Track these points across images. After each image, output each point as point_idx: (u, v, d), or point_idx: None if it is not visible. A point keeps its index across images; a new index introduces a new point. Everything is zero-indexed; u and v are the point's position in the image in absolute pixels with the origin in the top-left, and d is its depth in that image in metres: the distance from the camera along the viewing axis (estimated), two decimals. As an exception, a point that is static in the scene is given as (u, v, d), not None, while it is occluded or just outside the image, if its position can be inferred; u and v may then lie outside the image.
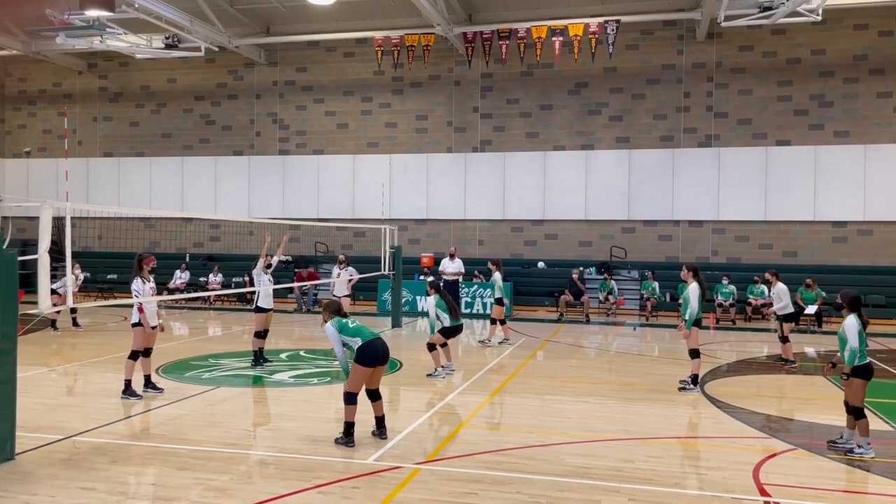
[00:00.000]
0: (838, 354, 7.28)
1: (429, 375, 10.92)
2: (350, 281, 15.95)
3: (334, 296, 15.42)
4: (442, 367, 11.03)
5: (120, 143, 26.83)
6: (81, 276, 16.30)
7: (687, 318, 9.95)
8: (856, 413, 7.01)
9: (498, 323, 14.85)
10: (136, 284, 9.10)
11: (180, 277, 22.45)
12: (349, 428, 7.11)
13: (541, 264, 22.97)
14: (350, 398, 7.11)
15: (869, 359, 7.09)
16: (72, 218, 7.69)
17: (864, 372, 7.01)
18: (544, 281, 22.41)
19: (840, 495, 5.90)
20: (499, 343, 14.57)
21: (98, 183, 26.48)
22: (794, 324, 12.92)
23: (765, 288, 18.92)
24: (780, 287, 12.63)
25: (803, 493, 5.97)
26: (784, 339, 12.51)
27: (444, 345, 11.13)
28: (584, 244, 23.07)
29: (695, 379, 10.07)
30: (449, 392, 9.94)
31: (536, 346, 14.72)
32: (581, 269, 20.98)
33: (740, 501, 5.73)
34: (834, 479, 6.36)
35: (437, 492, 5.84)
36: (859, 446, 6.99)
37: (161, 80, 26.44)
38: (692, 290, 9.92)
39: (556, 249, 23.23)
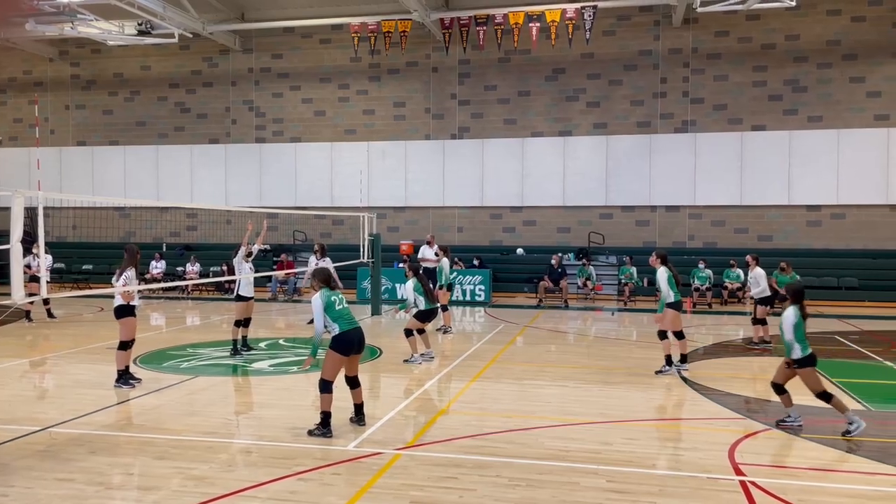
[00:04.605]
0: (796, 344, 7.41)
1: (406, 361, 10.96)
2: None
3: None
4: (420, 354, 11.07)
5: (93, 132, 26.41)
6: (50, 259, 15.99)
7: (660, 301, 10.25)
8: (824, 397, 7.16)
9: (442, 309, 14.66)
10: (129, 274, 9.02)
11: (156, 267, 22.23)
12: (325, 417, 6.98)
13: (520, 251, 23.06)
14: (325, 386, 7.00)
15: (810, 350, 7.17)
16: (45, 208, 7.57)
17: (810, 360, 7.17)
18: (523, 267, 22.50)
19: (813, 473, 6.03)
20: (437, 329, 14.28)
21: (71, 172, 26.07)
22: (769, 307, 13.09)
23: (740, 272, 19.20)
24: (759, 271, 12.84)
25: (777, 471, 6.08)
26: (757, 321, 12.73)
27: (421, 331, 11.17)
28: (563, 230, 23.18)
29: (668, 360, 10.22)
30: (428, 378, 9.97)
31: (516, 331, 14.80)
32: (560, 254, 21.09)
33: (716, 481, 5.83)
34: (806, 457, 6.49)
35: (417, 477, 5.87)
36: (788, 416, 7.40)
37: (134, 68, 26.04)
38: (660, 274, 10.15)
39: (535, 236, 23.33)
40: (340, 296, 7.31)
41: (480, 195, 23.62)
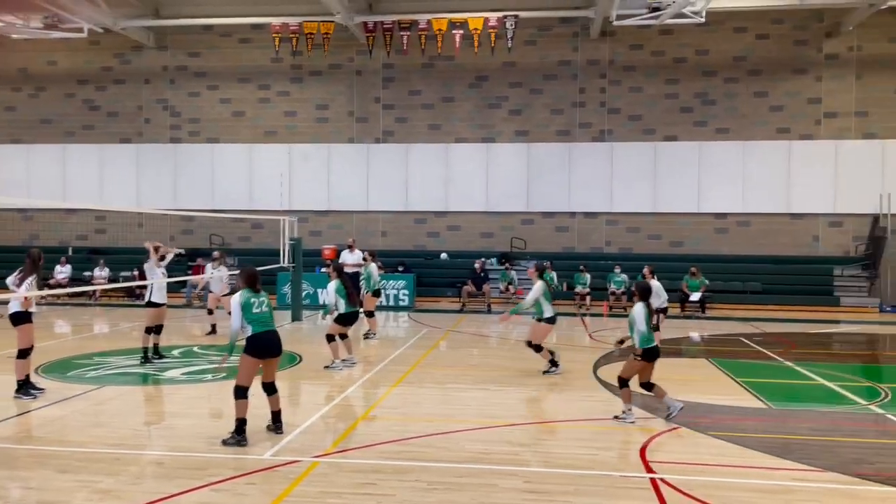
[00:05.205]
0: (627, 334, 8.05)
1: (326, 367, 10.78)
2: (224, 279, 14.52)
3: (210, 291, 14.74)
4: (342, 360, 10.91)
5: (-7, 129, 24.93)
6: None
7: (517, 310, 10.73)
8: (621, 382, 7.89)
9: (367, 315, 14.53)
10: (31, 281, 8.53)
11: (61, 272, 21.16)
12: (240, 424, 6.78)
13: (443, 255, 23.17)
14: (239, 392, 6.83)
15: (656, 343, 7.87)
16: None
17: (650, 354, 7.78)
18: (447, 272, 22.61)
19: (718, 469, 6.29)
20: (363, 335, 14.19)
21: (-32, 171, 24.51)
22: (664, 315, 13.12)
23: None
24: (655, 283, 12.57)
25: (685, 468, 6.32)
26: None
27: (344, 336, 11.01)
28: (486, 235, 23.45)
29: (553, 362, 10.47)
30: (349, 384, 9.87)
31: (439, 336, 14.84)
32: (483, 259, 21.30)
33: (628, 479, 6.00)
34: (713, 454, 6.77)
35: (335, 484, 5.79)
36: (625, 412, 7.88)
37: (40, 63, 24.75)
38: (537, 287, 10.31)
39: (459, 240, 23.49)
40: (263, 298, 7.12)
41: (405, 200, 23.61)
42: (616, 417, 7.92)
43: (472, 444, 6.99)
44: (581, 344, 14.15)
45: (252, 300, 7.00)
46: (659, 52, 22.65)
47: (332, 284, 10.76)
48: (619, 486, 5.84)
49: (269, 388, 7.13)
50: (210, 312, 14.58)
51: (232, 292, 14.07)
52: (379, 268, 14.61)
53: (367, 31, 21.66)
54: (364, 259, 14.81)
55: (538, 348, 10.47)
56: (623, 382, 7.90)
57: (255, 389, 7.03)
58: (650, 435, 7.31)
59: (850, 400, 9.24)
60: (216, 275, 14.36)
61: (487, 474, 6.07)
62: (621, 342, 8.31)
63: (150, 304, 11.16)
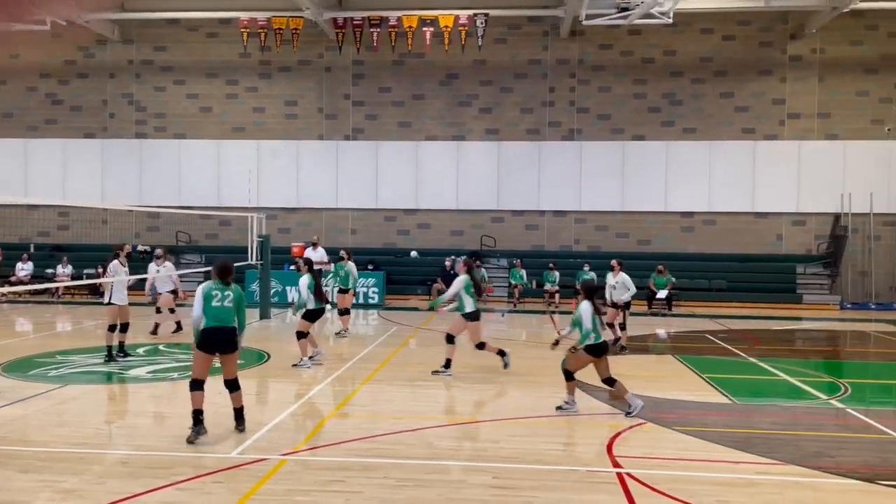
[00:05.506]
0: (563, 331, 8.40)
1: (294, 366, 10.70)
2: (171, 276, 13.81)
3: (158, 293, 13.95)
4: (310, 357, 10.84)
5: (-49, 122, 24.28)
6: None
7: (443, 301, 10.60)
8: (566, 375, 8.10)
9: (339, 313, 14.48)
10: None
11: (23, 269, 20.70)
12: (195, 415, 6.70)
13: (413, 253, 23.15)
14: (192, 384, 6.79)
15: (602, 339, 8.04)
16: None
17: (597, 350, 7.98)
18: (417, 270, 22.61)
19: (682, 463, 6.39)
20: (336, 334, 14.19)
21: (-76, 165, 23.84)
22: (628, 311, 12.77)
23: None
24: (623, 277, 12.59)
25: (651, 462, 6.41)
26: (611, 325, 12.35)
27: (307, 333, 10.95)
28: (456, 233, 23.49)
29: (447, 363, 10.14)
30: (318, 382, 9.81)
31: (409, 334, 14.84)
32: (453, 257, 21.33)
33: (594, 473, 6.07)
34: (679, 448, 6.87)
35: (303, 482, 5.76)
36: (566, 403, 8.12)
37: (1, 56, 24.11)
38: (458, 281, 10.04)
39: (429, 238, 23.49)
40: (228, 293, 6.97)
41: (375, 197, 23.54)
42: (558, 408, 8.11)
43: (441, 441, 7.00)
44: (550, 341, 14.22)
45: (214, 293, 6.91)
46: (627, 52, 22.88)
47: (305, 279, 10.63)
48: (586, 480, 5.90)
49: (229, 385, 7.02)
50: (158, 311, 13.76)
51: (174, 292, 13.75)
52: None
53: (337, 27, 21.53)
54: (341, 258, 14.67)
55: (481, 345, 10.24)
56: (568, 375, 8.10)
57: (223, 388, 6.97)
58: (617, 430, 7.39)
59: (812, 395, 9.45)
60: (162, 273, 13.60)
61: (456, 470, 6.09)
62: (556, 343, 8.52)
63: (110, 304, 10.98)
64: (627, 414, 7.90)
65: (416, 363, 11.40)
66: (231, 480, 5.79)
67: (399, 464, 6.26)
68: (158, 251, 14.05)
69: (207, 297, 6.87)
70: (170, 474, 5.86)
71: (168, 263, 13.88)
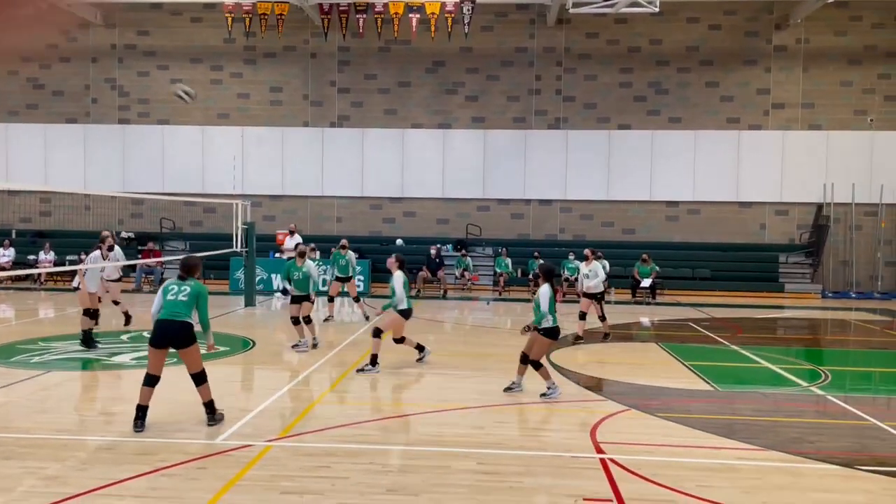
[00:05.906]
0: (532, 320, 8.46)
1: (294, 346, 11.06)
2: (116, 263, 12.36)
3: (108, 280, 12.57)
4: (303, 339, 11.14)
5: (-71, 106, 23.88)
6: None
7: (390, 304, 9.87)
8: (535, 365, 8.22)
9: (329, 300, 14.83)
10: None
11: (4, 255, 20.47)
12: (137, 410, 6.67)
13: (399, 241, 23.11)
14: (144, 378, 6.75)
15: (558, 323, 8.31)
16: None
17: (551, 333, 8.26)
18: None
19: (665, 449, 6.46)
20: (324, 320, 14.32)
21: None
22: (598, 302, 12.62)
23: (578, 263, 19.77)
24: (596, 265, 12.48)
25: (634, 448, 6.47)
26: (584, 315, 12.45)
27: (299, 322, 11.13)
28: (442, 221, 23.47)
29: (374, 359, 9.67)
30: (303, 369, 9.81)
31: (393, 321, 14.81)
32: (439, 245, 21.34)
33: (578, 459, 6.12)
34: (662, 434, 6.94)
35: (288, 467, 5.77)
36: (549, 388, 8.25)
37: (-22, 37, 23.72)
38: (396, 278, 9.80)
39: (415, 227, 23.46)
40: (185, 289, 6.80)
41: (360, 185, 23.46)
42: (542, 395, 8.20)
43: (426, 427, 7.03)
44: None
45: (171, 287, 6.88)
46: (614, 40, 22.89)
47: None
48: (570, 466, 5.95)
49: (194, 379, 6.89)
50: (116, 303, 13.03)
51: (119, 279, 13.16)
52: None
53: (323, 12, 21.35)
54: (343, 246, 14.84)
55: (400, 340, 10.10)
56: (536, 364, 8.25)
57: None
58: (600, 417, 7.46)
59: (793, 382, 9.58)
60: (110, 259, 12.01)
61: (441, 456, 6.12)
62: (528, 328, 8.66)
63: (80, 289, 10.94)
64: (542, 395, 8.21)
65: (401, 350, 11.40)
66: (216, 466, 5.78)
67: (384, 450, 6.29)
68: (105, 233, 12.12)
69: (165, 291, 6.88)
70: (154, 460, 5.84)
71: (114, 253, 12.07)
